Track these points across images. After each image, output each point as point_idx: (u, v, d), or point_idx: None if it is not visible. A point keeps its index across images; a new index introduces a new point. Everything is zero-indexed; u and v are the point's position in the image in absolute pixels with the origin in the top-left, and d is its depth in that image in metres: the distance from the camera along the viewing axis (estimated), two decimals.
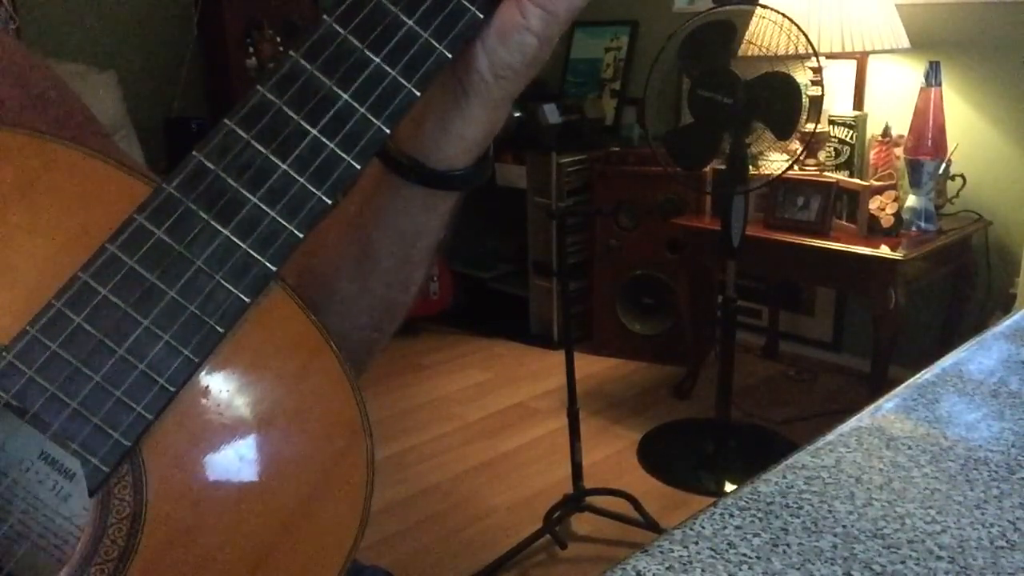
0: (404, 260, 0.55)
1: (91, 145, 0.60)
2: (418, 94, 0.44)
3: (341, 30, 0.43)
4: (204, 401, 0.45)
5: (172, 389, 0.43)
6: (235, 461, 0.45)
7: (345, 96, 0.43)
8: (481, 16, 0.44)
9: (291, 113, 0.43)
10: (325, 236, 0.54)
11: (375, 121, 0.44)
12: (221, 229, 0.43)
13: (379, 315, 0.57)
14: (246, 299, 0.44)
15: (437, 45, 0.44)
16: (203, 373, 0.44)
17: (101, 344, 0.42)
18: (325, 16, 0.43)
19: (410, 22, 0.44)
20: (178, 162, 0.44)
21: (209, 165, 0.43)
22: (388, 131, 0.44)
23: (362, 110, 0.44)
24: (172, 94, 3.25)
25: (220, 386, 0.45)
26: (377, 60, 0.44)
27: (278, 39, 3.16)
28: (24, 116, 0.57)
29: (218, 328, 0.43)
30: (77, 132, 0.61)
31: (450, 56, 0.44)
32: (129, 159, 0.62)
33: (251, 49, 3.16)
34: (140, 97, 3.11)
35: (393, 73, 0.44)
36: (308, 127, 0.43)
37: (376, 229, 0.53)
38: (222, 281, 0.43)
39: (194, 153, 0.43)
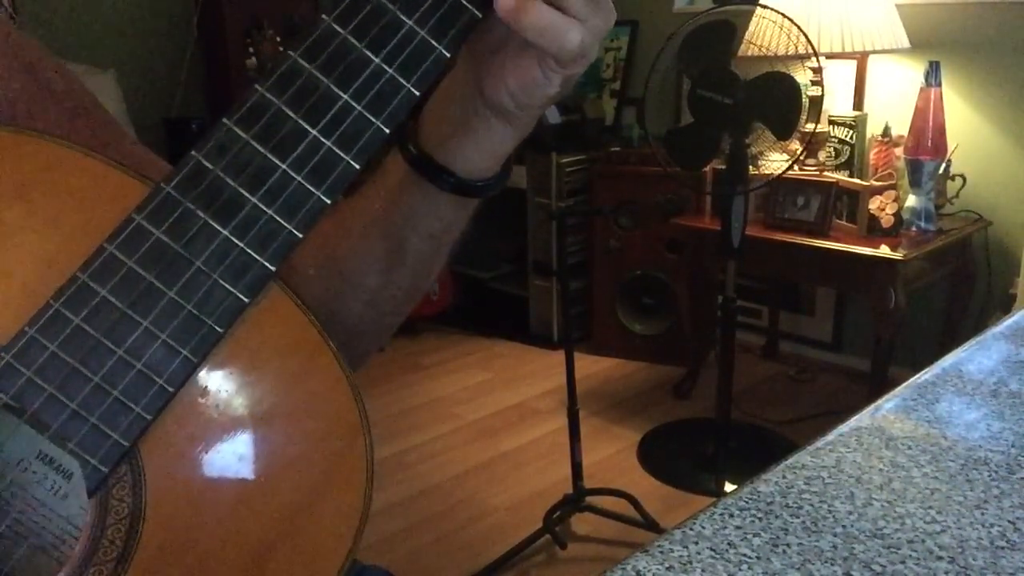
0: (432, 254, 0.57)
1: (103, 133, 0.61)
2: (417, 93, 0.44)
3: (340, 29, 0.43)
4: (203, 401, 0.45)
5: (171, 389, 0.43)
6: (234, 461, 0.45)
7: (344, 95, 0.43)
8: (479, 15, 0.44)
9: (290, 112, 0.43)
10: (349, 230, 0.56)
11: (374, 120, 0.44)
12: (220, 229, 0.43)
13: (402, 302, 0.60)
14: (245, 299, 0.43)
15: (436, 44, 0.44)
16: (202, 373, 0.44)
17: (99, 344, 0.42)
18: (324, 16, 0.43)
19: (409, 22, 0.44)
20: (178, 163, 0.44)
21: (208, 164, 0.43)
22: (387, 130, 0.44)
23: (360, 109, 0.44)
24: (172, 94, 3.25)
25: (219, 386, 0.45)
26: (376, 59, 0.44)
27: (278, 39, 3.16)
28: (36, 106, 0.57)
29: (217, 328, 0.43)
30: (89, 120, 0.61)
31: (448, 55, 0.44)
32: (137, 146, 0.62)
33: (251, 49, 3.16)
34: (140, 97, 3.11)
35: (391, 72, 0.44)
36: (307, 126, 0.43)
37: (406, 229, 0.55)
38: (221, 281, 0.43)
39: (193, 152, 0.43)
